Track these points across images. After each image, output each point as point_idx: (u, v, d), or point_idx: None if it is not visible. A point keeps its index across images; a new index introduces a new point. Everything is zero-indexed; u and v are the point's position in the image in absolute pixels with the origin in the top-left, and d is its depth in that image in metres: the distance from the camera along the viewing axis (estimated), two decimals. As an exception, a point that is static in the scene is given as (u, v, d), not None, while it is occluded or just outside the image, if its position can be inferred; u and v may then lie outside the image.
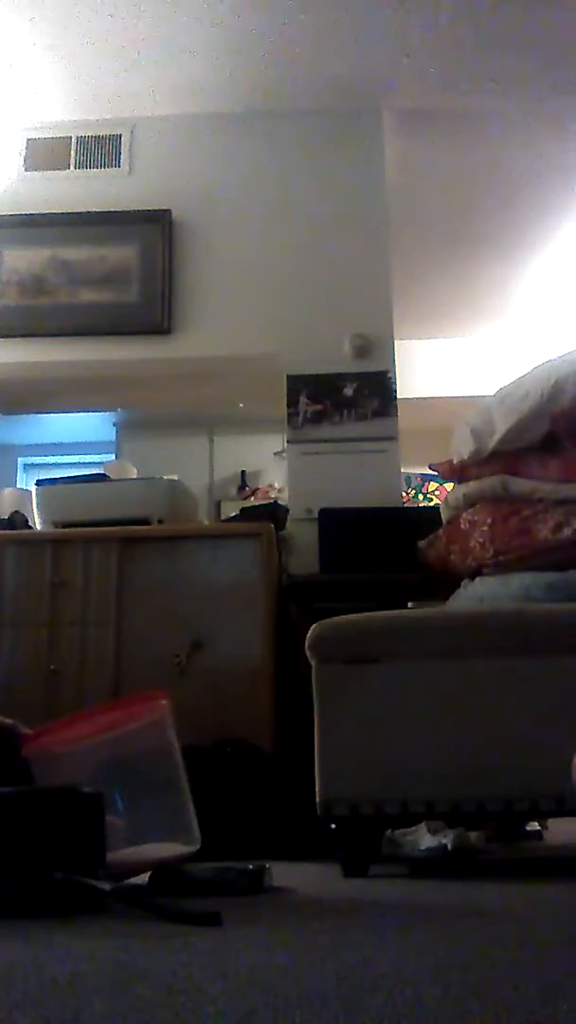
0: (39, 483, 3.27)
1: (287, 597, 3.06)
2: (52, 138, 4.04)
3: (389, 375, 3.67)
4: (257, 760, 2.49)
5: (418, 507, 5.77)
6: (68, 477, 3.41)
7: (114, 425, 5.83)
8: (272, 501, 3.93)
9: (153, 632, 2.87)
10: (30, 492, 3.33)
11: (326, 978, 0.84)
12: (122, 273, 3.84)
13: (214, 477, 5.83)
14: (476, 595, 2.31)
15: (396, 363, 3.71)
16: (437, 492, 6.26)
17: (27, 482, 6.17)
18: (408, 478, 6.11)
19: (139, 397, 4.72)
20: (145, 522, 3.05)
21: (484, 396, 2.54)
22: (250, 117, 4.00)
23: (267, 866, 1.55)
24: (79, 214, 3.90)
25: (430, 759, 1.79)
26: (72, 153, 4.03)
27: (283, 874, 1.67)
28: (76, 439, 6.20)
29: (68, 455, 6.45)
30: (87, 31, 3.52)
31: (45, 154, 4.03)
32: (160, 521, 3.07)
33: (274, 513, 3.28)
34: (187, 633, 2.84)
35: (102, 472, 3.70)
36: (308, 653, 1.90)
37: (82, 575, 2.94)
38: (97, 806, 1.39)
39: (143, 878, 1.54)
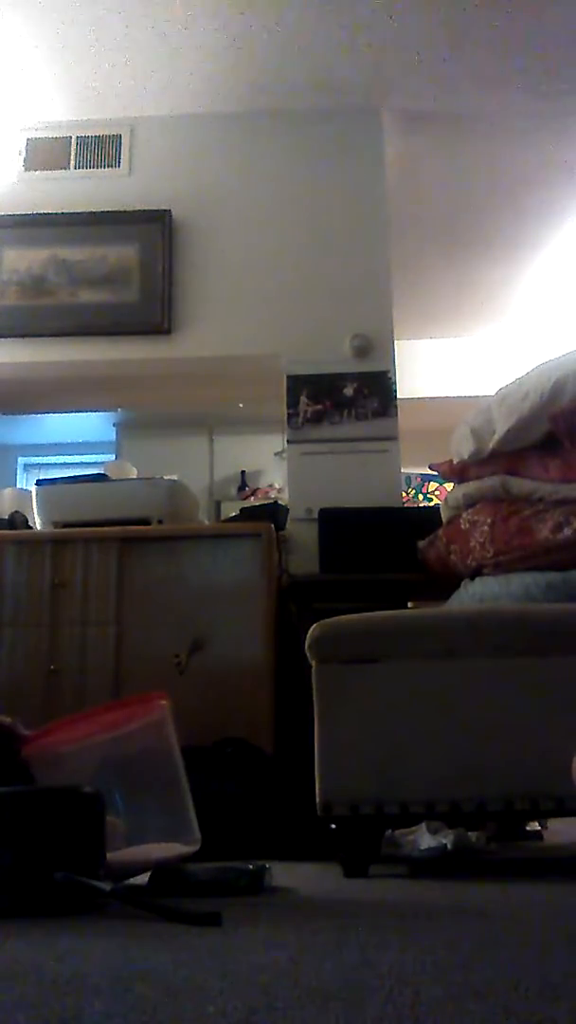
0: (39, 483, 3.27)
1: (287, 597, 3.06)
2: (52, 138, 4.04)
3: (389, 375, 3.67)
4: (257, 760, 2.49)
5: (418, 507, 5.77)
6: (68, 477, 3.41)
7: (114, 425, 5.83)
8: (272, 501, 3.93)
9: (153, 632, 2.87)
10: (30, 492, 3.33)
11: (326, 978, 0.84)
12: (122, 273, 3.84)
13: (214, 477, 5.83)
14: (476, 595, 2.31)
15: (396, 363, 3.71)
16: (437, 492, 6.26)
17: (27, 482, 6.17)
18: (408, 478, 6.11)
19: (139, 397, 4.72)
20: (145, 522, 3.05)
21: (484, 396, 2.54)
22: (250, 117, 4.00)
23: (267, 866, 1.55)
24: (79, 214, 3.90)
25: (430, 759, 1.79)
26: (72, 153, 4.03)
27: (283, 874, 1.67)
28: (76, 439, 6.20)
29: (68, 455, 6.46)
30: (87, 31, 3.52)
31: (45, 154, 4.03)
32: (160, 521, 3.07)
33: (274, 513, 3.28)
34: (187, 633, 2.84)
35: (102, 472, 3.70)
36: (308, 653, 1.90)
37: (82, 575, 2.94)
38: (97, 806, 1.39)
39: (143, 878, 1.53)
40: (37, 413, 5.24)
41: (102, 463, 4.60)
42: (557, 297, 5.45)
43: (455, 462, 2.60)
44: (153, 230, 3.88)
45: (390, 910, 1.40)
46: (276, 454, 5.25)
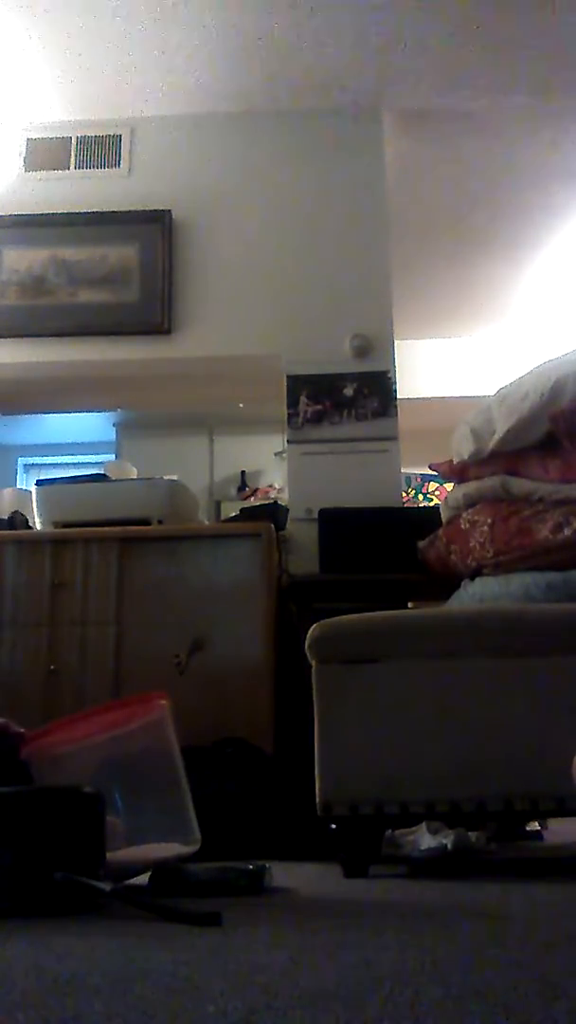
0: (39, 483, 3.27)
1: (287, 597, 3.06)
2: (52, 138, 4.04)
3: (389, 375, 3.67)
4: (257, 760, 2.49)
5: (418, 507, 5.77)
6: (68, 477, 3.41)
7: (114, 425, 5.83)
8: (272, 501, 3.92)
9: (153, 632, 2.87)
10: (30, 492, 3.33)
11: (326, 978, 0.84)
12: (122, 273, 3.84)
13: (214, 477, 5.83)
14: (476, 595, 2.31)
15: (396, 363, 3.71)
16: (437, 492, 6.26)
17: (27, 482, 6.17)
18: (408, 478, 6.11)
19: (139, 397, 4.72)
20: (145, 522, 3.05)
21: (484, 396, 2.55)
22: (250, 117, 4.01)
23: (267, 866, 1.55)
24: (79, 214, 3.90)
25: (430, 759, 1.79)
26: (72, 153, 4.03)
27: (283, 874, 1.67)
28: (76, 439, 6.20)
29: (68, 455, 6.45)
30: (87, 31, 3.52)
31: (45, 154, 4.03)
32: (160, 521, 3.07)
33: (274, 513, 3.28)
34: (187, 633, 2.84)
35: (102, 472, 3.70)
36: (308, 653, 1.90)
37: (82, 575, 2.94)
38: (97, 806, 1.39)
39: (143, 878, 1.53)
40: (37, 413, 5.24)
41: (102, 463, 4.59)
42: (557, 297, 5.45)
43: (455, 462, 2.60)
44: (153, 230, 3.88)
45: (390, 910, 1.40)
46: (276, 454, 5.24)
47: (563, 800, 1.70)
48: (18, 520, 3.24)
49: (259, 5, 3.42)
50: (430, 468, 2.85)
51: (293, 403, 3.66)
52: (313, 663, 1.89)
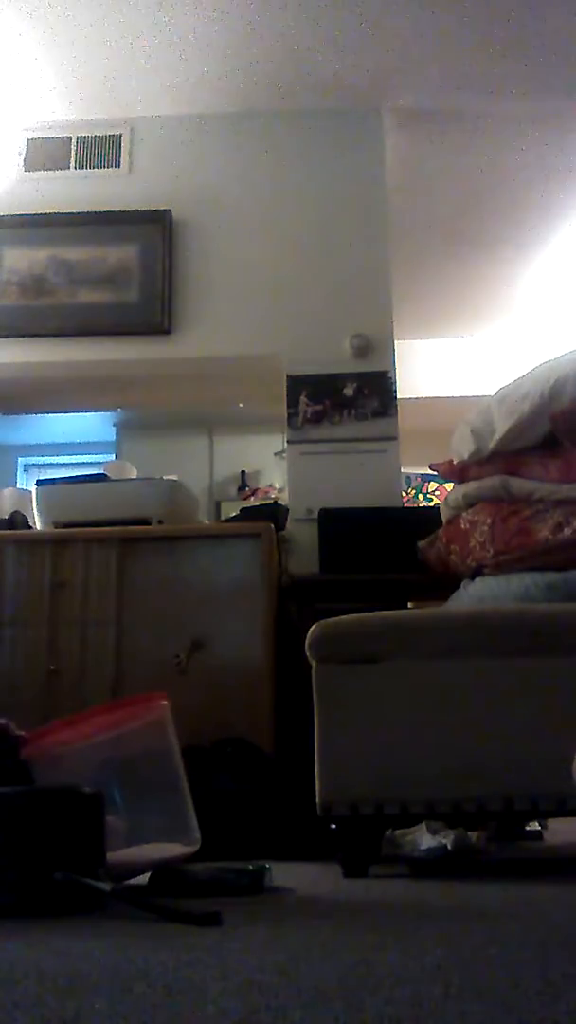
0: (39, 483, 3.27)
1: (287, 597, 3.06)
2: (52, 138, 4.04)
3: (389, 375, 3.67)
4: (257, 760, 2.49)
5: (418, 507, 5.77)
6: (68, 477, 3.41)
7: (114, 425, 5.83)
8: (272, 501, 3.92)
9: (153, 632, 2.87)
10: (30, 492, 3.33)
11: (326, 978, 0.84)
12: (122, 273, 3.84)
13: (214, 477, 5.83)
14: (476, 595, 2.31)
15: (396, 363, 3.71)
16: (437, 492, 6.27)
17: (27, 482, 6.17)
18: (408, 478, 6.11)
19: (139, 397, 4.72)
20: (145, 522, 3.05)
21: (484, 396, 2.55)
22: (250, 117, 4.01)
23: (267, 866, 1.55)
24: (79, 214, 3.90)
25: (430, 759, 1.79)
26: (72, 153, 4.03)
27: (283, 874, 1.66)
28: (76, 439, 6.20)
29: (68, 455, 6.46)
30: (87, 31, 3.52)
31: (45, 154, 4.03)
32: (160, 521, 3.07)
33: (274, 513, 3.28)
34: (187, 633, 2.84)
35: (102, 472, 3.70)
36: (308, 653, 1.90)
37: (82, 575, 2.94)
38: (97, 806, 1.39)
39: (143, 878, 1.53)
40: (37, 413, 5.24)
41: (102, 463, 4.60)
42: (557, 297, 5.45)
43: (455, 462, 2.60)
44: (153, 230, 3.88)
45: (390, 910, 1.40)
46: (276, 454, 5.25)
47: (563, 800, 1.70)
48: (18, 520, 3.24)
49: (259, 5, 3.42)
50: (430, 468, 2.85)
51: (293, 403, 3.66)
52: (313, 663, 1.89)
